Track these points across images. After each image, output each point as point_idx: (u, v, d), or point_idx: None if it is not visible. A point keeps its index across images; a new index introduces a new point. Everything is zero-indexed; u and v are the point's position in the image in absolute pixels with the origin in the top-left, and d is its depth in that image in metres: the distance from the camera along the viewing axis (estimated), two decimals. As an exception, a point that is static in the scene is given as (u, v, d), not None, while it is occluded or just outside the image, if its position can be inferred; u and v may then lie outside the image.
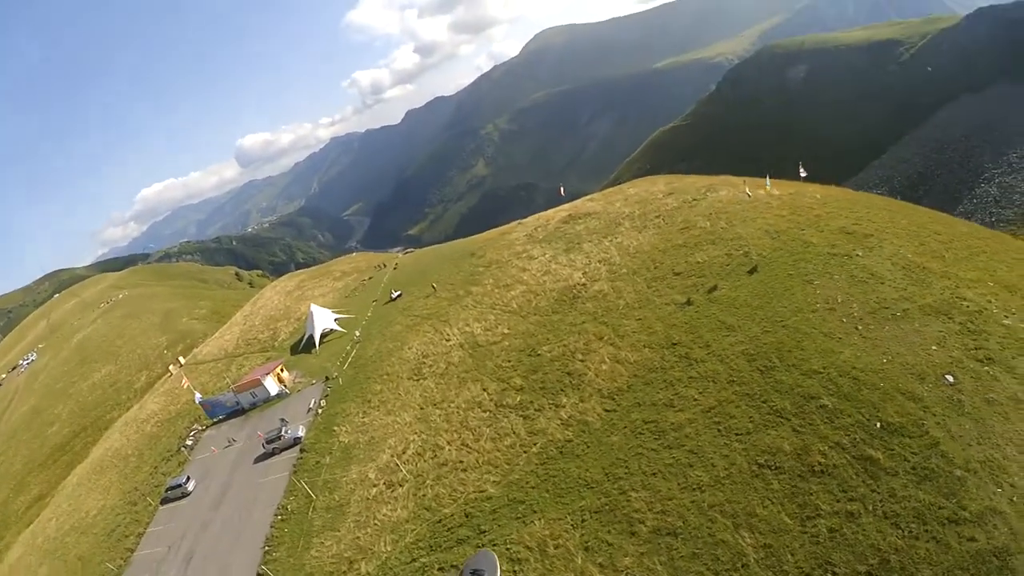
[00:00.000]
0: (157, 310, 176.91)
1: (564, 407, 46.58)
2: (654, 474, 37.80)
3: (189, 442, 75.09)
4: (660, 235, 64.20)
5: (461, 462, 46.64)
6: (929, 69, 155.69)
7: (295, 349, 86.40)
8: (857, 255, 48.42)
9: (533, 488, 41.06)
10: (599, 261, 64.80)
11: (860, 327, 41.38)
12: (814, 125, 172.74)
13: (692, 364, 44.15)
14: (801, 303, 45.18)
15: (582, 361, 50.32)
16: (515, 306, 64.94)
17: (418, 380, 60.74)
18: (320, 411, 64.26)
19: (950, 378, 36.24)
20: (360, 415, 59.79)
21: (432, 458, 48.75)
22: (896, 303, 42.40)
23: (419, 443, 51.29)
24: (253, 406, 75.42)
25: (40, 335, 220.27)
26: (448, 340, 65.26)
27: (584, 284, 61.56)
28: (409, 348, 67.63)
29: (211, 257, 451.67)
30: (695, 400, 41.27)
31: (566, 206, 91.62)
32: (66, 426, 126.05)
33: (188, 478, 64.58)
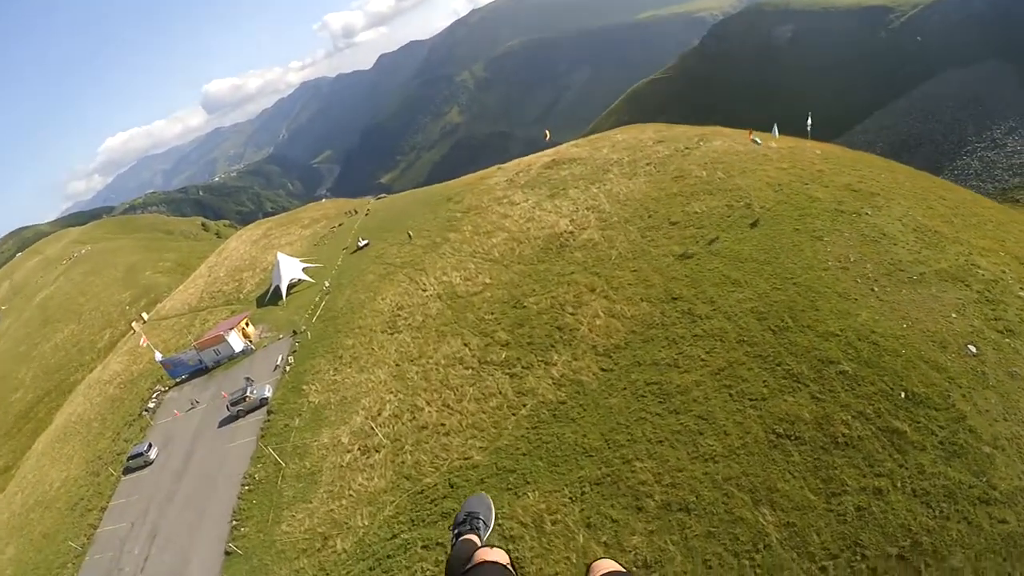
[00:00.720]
0: (120, 264, 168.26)
1: (555, 365, 42.53)
2: (660, 442, 34.16)
3: (151, 405, 69.67)
4: (652, 183, 59.62)
5: (443, 425, 42.57)
6: (919, 39, 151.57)
7: (261, 301, 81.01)
8: (866, 214, 44.97)
9: (524, 456, 37.22)
10: (587, 208, 60.19)
11: (876, 289, 38.28)
12: (799, 85, 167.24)
13: (696, 321, 40.25)
14: (811, 260, 41.56)
15: (573, 315, 46.16)
16: (497, 254, 60.33)
17: (393, 334, 56.16)
18: (288, 368, 59.52)
19: (973, 348, 33.86)
20: (331, 372, 55.23)
21: (410, 420, 44.59)
22: (911, 266, 39.46)
23: (395, 403, 47.05)
24: (217, 364, 70.15)
25: (3, 297, 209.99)
26: (424, 291, 60.58)
27: (572, 232, 57.03)
28: (382, 299, 62.79)
29: (177, 208, 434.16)
30: (702, 361, 37.49)
31: (549, 151, 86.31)
32: (30, 391, 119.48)
33: (150, 445, 59.58)
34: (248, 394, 56.86)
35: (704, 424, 34.14)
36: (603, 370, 40.19)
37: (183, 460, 56.22)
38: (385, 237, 79.82)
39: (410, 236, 73.54)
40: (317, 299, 70.57)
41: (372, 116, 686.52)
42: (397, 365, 51.48)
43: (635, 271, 47.37)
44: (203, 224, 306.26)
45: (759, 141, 58.31)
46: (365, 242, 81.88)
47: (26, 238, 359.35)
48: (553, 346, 44.26)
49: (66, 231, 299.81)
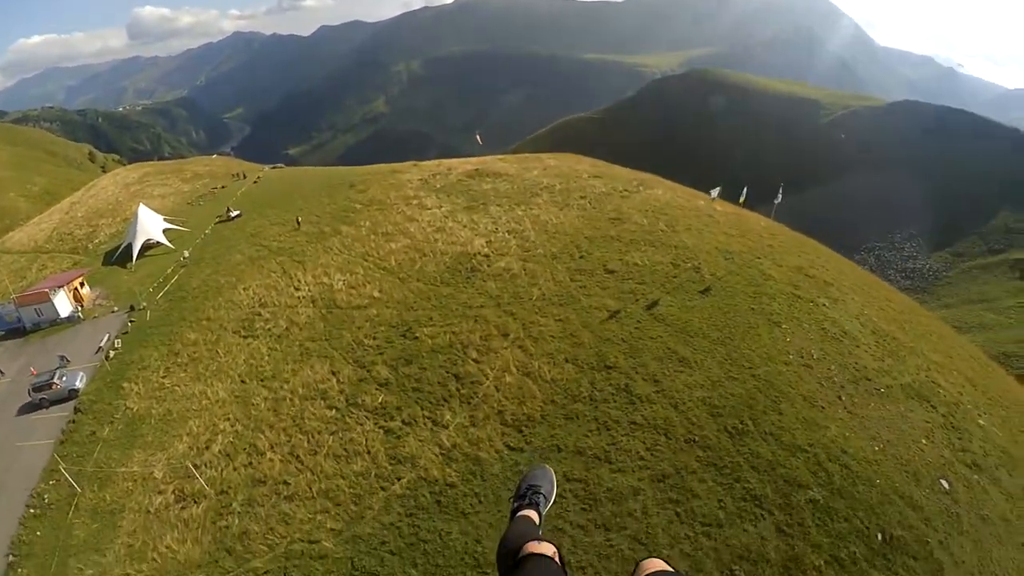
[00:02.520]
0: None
1: (447, 428, 31.34)
2: (582, 568, 23.99)
3: (-47, 363, 52.64)
4: (586, 219, 49.55)
5: (286, 484, 30.39)
6: (843, 136, 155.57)
7: (109, 258, 64.82)
8: (823, 304, 36.96)
9: (393, 555, 25.94)
10: (508, 232, 49.47)
11: (844, 397, 30.20)
12: (722, 156, 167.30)
13: (635, 403, 30.28)
14: (771, 349, 32.79)
15: (477, 363, 35.12)
16: (393, 263, 48.48)
17: (246, 338, 43.02)
18: (111, 354, 44.92)
19: (945, 483, 27.11)
20: (161, 372, 41.47)
21: (245, 467, 32.03)
22: (877, 376, 31.80)
23: (230, 437, 34.25)
24: (36, 327, 53.64)
25: None
26: (297, 289, 47.77)
27: (487, 256, 46.09)
28: (244, 289, 49.26)
29: (72, 130, 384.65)
30: (641, 459, 27.55)
31: (473, 160, 75.20)
32: None
33: None
34: (55, 380, 42.03)
35: (641, 550, 24.20)
36: (510, 448, 29.40)
37: (-34, 447, 40.92)
38: (267, 213, 65.76)
39: (298, 223, 59.98)
40: (170, 271, 55.80)
41: (296, 84, 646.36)
42: (243, 382, 38.54)
43: (560, 321, 36.95)
44: (90, 153, 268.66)
45: (715, 196, 49.78)
46: (236, 213, 67.64)
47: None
48: (447, 400, 33.04)
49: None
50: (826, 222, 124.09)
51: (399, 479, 29.09)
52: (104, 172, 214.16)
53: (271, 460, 31.78)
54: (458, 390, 33.43)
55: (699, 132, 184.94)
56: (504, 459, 28.82)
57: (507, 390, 32.53)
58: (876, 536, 24.01)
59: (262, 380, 38.23)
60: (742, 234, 45.86)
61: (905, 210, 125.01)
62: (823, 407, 29.36)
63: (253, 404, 36.28)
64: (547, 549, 2.96)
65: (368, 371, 36.65)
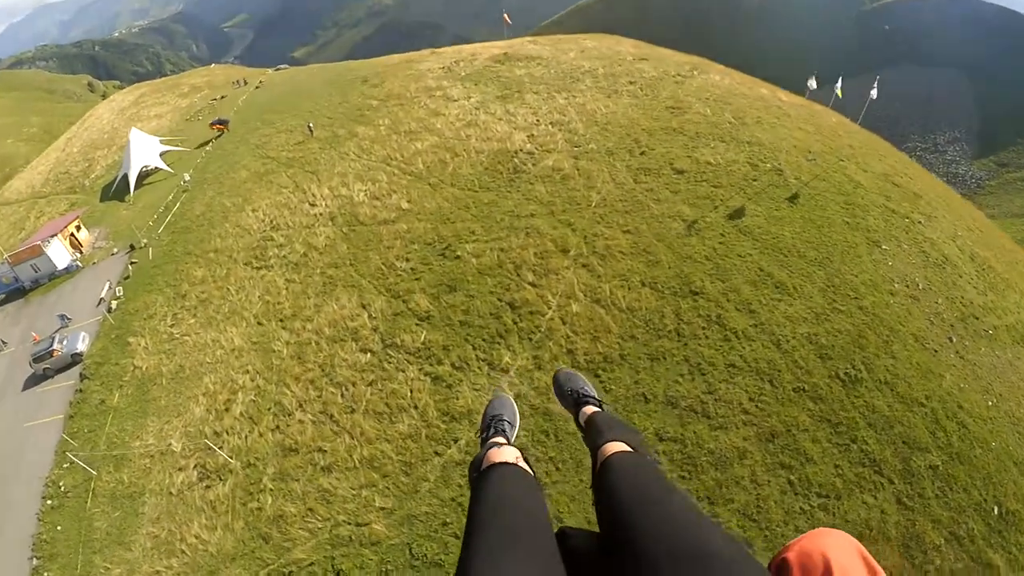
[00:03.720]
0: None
1: (507, 373, 26.01)
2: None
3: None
4: (641, 109, 41.73)
5: (322, 451, 25.73)
6: (887, 28, 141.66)
7: (107, 192, 59.50)
8: (919, 222, 30.40)
9: (459, 540, 21.24)
10: (551, 123, 42.30)
11: (955, 339, 24.79)
12: (758, 44, 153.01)
13: (730, 340, 24.50)
14: (873, 274, 26.75)
15: (535, 287, 29.30)
16: (421, 166, 42.09)
17: (259, 269, 37.74)
18: (114, 305, 40.16)
19: None
20: (168, 320, 36.69)
21: (272, 431, 27.42)
22: (983, 314, 26.34)
23: (252, 394, 29.53)
24: (36, 284, 48.99)
25: None
26: (313, 205, 41.93)
27: (531, 153, 39.33)
28: (253, 210, 43.65)
29: (69, 64, 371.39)
30: (745, 413, 22.22)
31: (499, 43, 66.44)
32: None
33: None
34: (56, 346, 37.46)
35: (751, 527, 19.52)
36: (587, 397, 24.06)
37: (-28, 435, 37.05)
38: (272, 120, 59.07)
39: (310, 130, 53.20)
40: (171, 198, 50.28)
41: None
42: (259, 324, 33.52)
43: (629, 232, 30.57)
44: (89, 84, 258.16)
45: (814, 85, 41.81)
46: (217, 119, 61.92)
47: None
48: (503, 336, 27.50)
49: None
50: (866, 117, 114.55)
51: (455, 441, 24.16)
52: (105, 100, 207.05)
53: (301, 422, 27.08)
54: (515, 323, 27.84)
55: (735, 17, 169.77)
56: (583, 411, 23.53)
57: (575, 322, 26.84)
58: (993, 510, 20.10)
59: (281, 320, 33.13)
60: (818, 131, 38.45)
61: (949, 112, 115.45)
62: (935, 350, 23.98)
63: (274, 351, 31.36)
64: (509, 455, 2.62)
65: (404, 302, 31.20)
